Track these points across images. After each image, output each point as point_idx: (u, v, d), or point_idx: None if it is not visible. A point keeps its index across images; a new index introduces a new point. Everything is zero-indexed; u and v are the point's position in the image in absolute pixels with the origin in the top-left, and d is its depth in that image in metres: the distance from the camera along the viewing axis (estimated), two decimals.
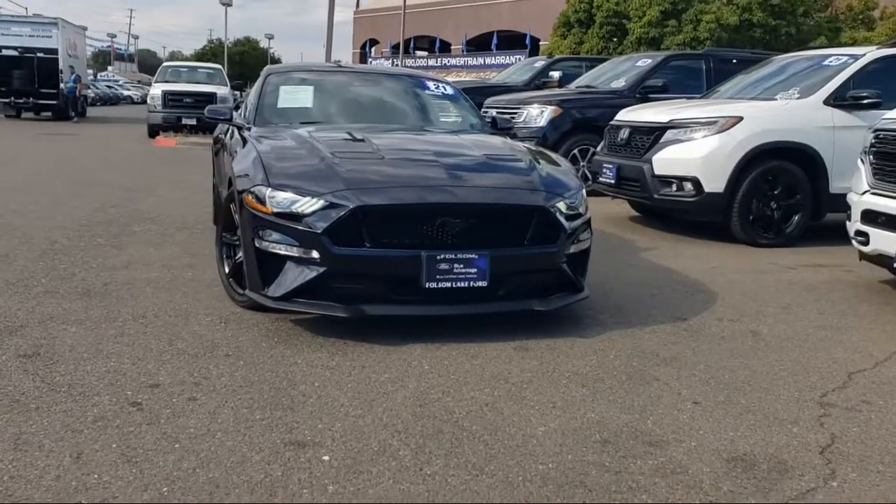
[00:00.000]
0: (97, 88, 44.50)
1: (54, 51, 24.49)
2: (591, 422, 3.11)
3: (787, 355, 4.03)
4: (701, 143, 7.01)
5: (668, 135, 7.24)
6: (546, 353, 3.88)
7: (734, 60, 11.12)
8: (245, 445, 2.79)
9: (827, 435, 3.08)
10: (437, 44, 56.93)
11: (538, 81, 13.80)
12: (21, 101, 24.46)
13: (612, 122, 8.22)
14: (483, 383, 3.47)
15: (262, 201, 3.97)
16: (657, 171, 7.20)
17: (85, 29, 30.49)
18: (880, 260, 5.23)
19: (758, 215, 7.07)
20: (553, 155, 4.87)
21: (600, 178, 8.05)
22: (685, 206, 7.22)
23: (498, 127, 5.69)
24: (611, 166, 7.77)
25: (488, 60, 49.42)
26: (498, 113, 8.85)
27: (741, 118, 6.97)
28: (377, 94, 5.73)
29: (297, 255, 3.86)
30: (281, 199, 3.91)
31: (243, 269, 4.40)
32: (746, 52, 12.26)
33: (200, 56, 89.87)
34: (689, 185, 7.05)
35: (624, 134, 7.78)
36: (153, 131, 18.96)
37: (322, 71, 5.99)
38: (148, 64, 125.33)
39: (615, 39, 19.78)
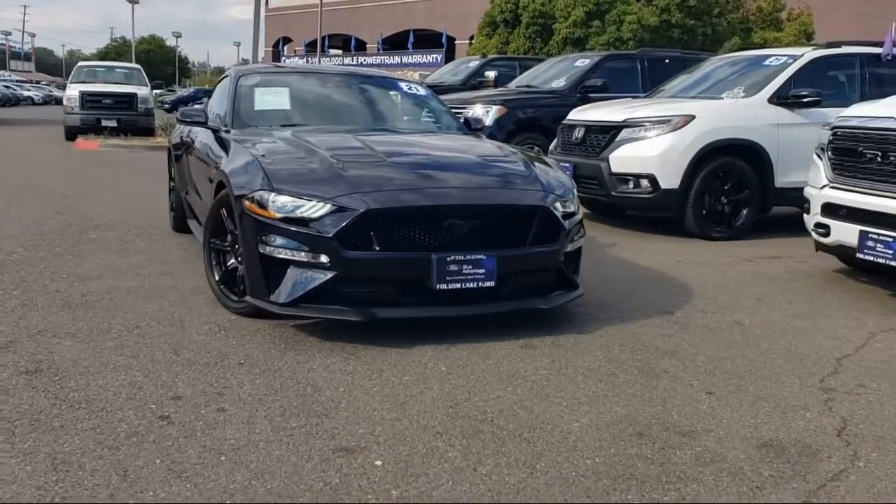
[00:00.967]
0: None
1: None
2: (619, 416, 3.20)
3: (775, 344, 4.22)
4: (656, 142, 7.24)
5: (624, 133, 7.44)
6: (553, 351, 3.95)
7: (667, 60, 11.51)
8: (293, 454, 2.76)
9: (838, 419, 3.25)
10: (353, 42, 56.63)
11: (474, 81, 13.91)
12: None
13: (564, 122, 8.39)
14: (503, 382, 3.52)
15: (264, 206, 3.91)
16: (614, 169, 7.39)
17: None
18: (840, 250, 5.52)
19: (710, 210, 7.35)
20: (541, 156, 4.94)
21: None
22: (642, 202, 7.44)
23: (471, 127, 5.75)
24: (567, 165, 7.92)
25: (405, 59, 49.52)
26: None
27: (693, 116, 7.23)
28: (353, 95, 5.69)
29: (305, 259, 3.82)
30: (285, 204, 3.87)
31: (236, 276, 4.34)
32: (676, 52, 12.68)
33: (104, 55, 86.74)
34: (645, 182, 7.27)
35: (579, 133, 7.95)
36: (71, 133, 18.22)
37: (293, 72, 5.93)
38: (47, 63, 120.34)
39: (540, 40, 20.12)
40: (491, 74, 13.64)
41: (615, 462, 2.79)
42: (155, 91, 21.28)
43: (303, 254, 3.82)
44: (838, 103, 7.30)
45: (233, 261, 4.39)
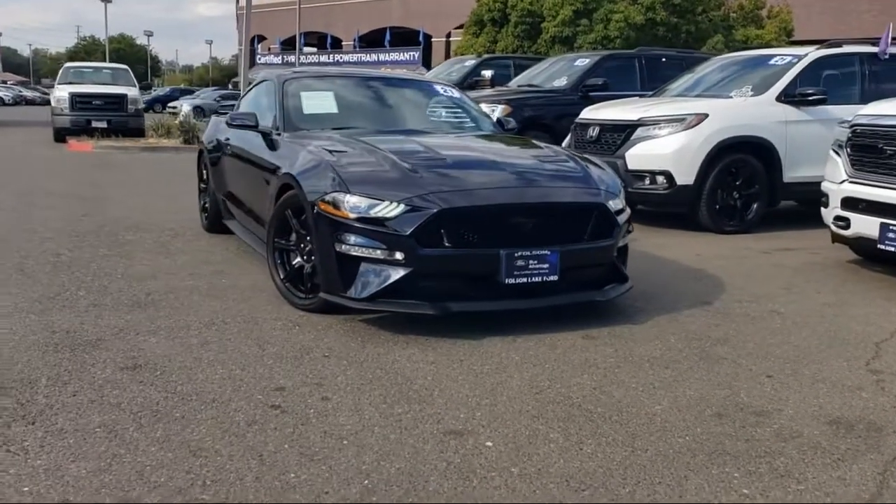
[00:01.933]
0: None
1: None
2: (694, 399, 3.44)
3: (815, 331, 4.49)
4: (672, 139, 7.51)
5: (639, 132, 7.70)
6: (613, 341, 4.19)
7: (663, 59, 11.83)
8: (408, 437, 2.97)
9: (892, 397, 3.52)
10: (329, 40, 56.52)
11: (470, 80, 14.11)
12: None
13: (577, 120, 8.63)
14: (578, 370, 3.74)
15: (337, 206, 4.10)
16: (630, 167, 7.64)
17: None
18: (859, 242, 5.83)
19: (723, 205, 7.64)
20: (588, 156, 5.17)
21: None
22: (658, 198, 7.70)
23: (504, 128, 5.97)
24: None
25: (382, 57, 49.48)
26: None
27: (707, 115, 7.51)
28: (393, 98, 5.88)
29: (381, 257, 4.01)
30: (360, 204, 4.06)
31: (302, 273, 4.52)
32: (672, 52, 12.98)
33: (73, 55, 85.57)
34: (661, 179, 7.54)
35: (593, 131, 8.20)
36: (60, 135, 18.16)
37: (332, 76, 6.10)
38: (13, 62, 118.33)
39: (528, 38, 20.38)
40: (487, 74, 13.85)
41: (704, 440, 3.03)
42: (144, 92, 21.17)
43: (379, 252, 4.02)
44: (841, 101, 7.68)
45: (298, 259, 4.56)
